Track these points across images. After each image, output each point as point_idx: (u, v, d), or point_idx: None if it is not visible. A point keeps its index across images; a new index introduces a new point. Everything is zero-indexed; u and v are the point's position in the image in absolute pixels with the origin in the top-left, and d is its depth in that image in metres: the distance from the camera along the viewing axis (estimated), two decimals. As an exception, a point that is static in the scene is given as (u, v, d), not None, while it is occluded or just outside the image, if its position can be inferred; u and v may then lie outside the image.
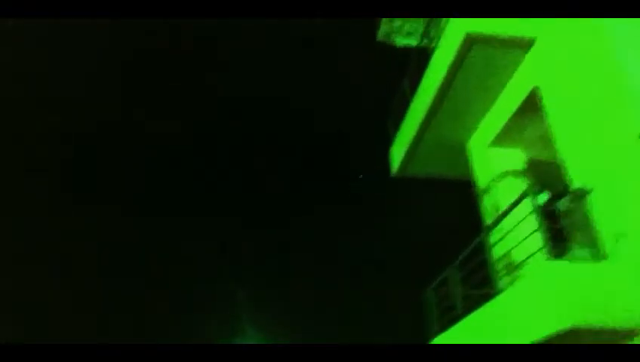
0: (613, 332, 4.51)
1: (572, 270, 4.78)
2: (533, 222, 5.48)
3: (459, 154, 8.60)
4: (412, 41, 10.72)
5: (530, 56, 6.76)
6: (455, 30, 7.00)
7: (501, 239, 6.45)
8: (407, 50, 11.80)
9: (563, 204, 5.97)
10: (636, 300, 4.52)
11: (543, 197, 6.20)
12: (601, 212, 5.17)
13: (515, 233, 6.24)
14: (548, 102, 6.34)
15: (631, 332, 4.49)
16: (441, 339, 7.08)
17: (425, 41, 9.35)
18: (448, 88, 7.43)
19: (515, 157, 7.85)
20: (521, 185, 7.62)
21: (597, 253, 4.97)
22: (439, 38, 7.98)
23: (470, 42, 6.67)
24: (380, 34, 11.70)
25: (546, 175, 7.64)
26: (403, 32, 10.95)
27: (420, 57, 9.14)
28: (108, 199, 32.28)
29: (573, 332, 4.42)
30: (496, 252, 6.39)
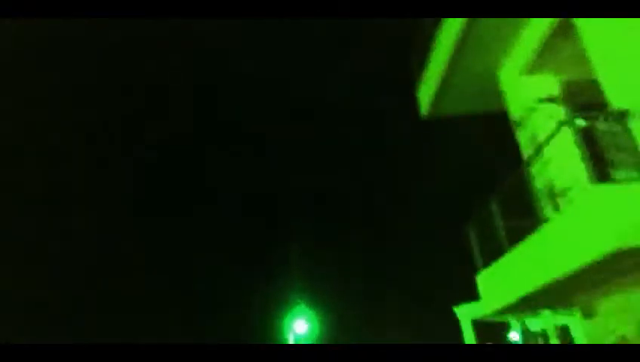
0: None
1: (618, 192, 4.75)
2: (573, 148, 5.44)
3: (491, 86, 8.40)
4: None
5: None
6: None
7: (542, 169, 6.43)
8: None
9: (602, 126, 5.84)
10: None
11: (581, 122, 6.06)
12: (645, 131, 5.05)
13: (556, 161, 6.21)
14: (582, 22, 6.06)
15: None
16: (487, 273, 7.23)
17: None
18: (475, 19, 7.17)
19: (549, 83, 7.62)
20: (557, 110, 7.46)
21: (643, 174, 4.89)
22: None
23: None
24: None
25: (582, 97, 7.44)
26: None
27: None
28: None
29: (622, 252, 4.47)
30: (538, 182, 6.37)
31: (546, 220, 5.91)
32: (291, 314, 26.63)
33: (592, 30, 5.95)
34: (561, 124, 5.53)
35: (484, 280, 7.33)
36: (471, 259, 7.71)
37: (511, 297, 6.54)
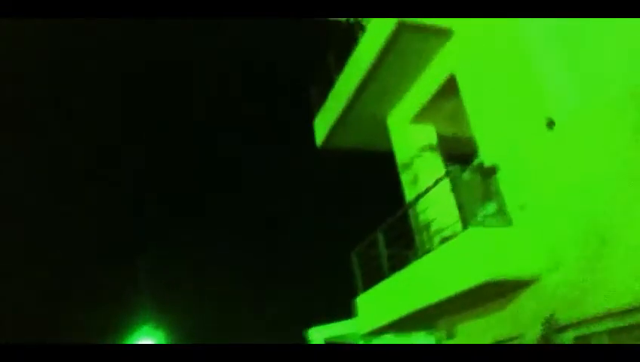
0: (518, 282, 5.62)
1: (485, 234, 5.80)
2: (448, 194, 6.47)
3: (381, 128, 9.37)
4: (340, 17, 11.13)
5: (449, 45, 7.59)
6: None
7: (422, 208, 7.41)
8: (325, 22, 12.23)
9: (472, 177, 6.97)
10: (533, 257, 5.64)
11: (457, 173, 7.14)
12: (508, 185, 6.23)
13: (434, 203, 7.22)
14: (464, 87, 7.24)
15: (529, 282, 5.62)
16: (366, 296, 7.96)
17: (351, 18, 9.81)
18: (378, 68, 8.04)
19: (430, 134, 8.82)
20: (435, 158, 8.66)
21: (505, 220, 6.02)
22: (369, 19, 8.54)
23: (401, 28, 7.29)
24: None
25: (454, 149, 8.76)
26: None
27: (345, 32, 9.65)
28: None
29: (489, 284, 5.44)
30: (419, 220, 7.33)
31: (423, 253, 6.84)
32: (135, 336, 25.01)
33: (471, 91, 7.14)
34: (441, 177, 6.54)
35: (363, 302, 8.04)
36: (353, 283, 8.40)
37: (387, 318, 7.32)
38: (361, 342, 22.48)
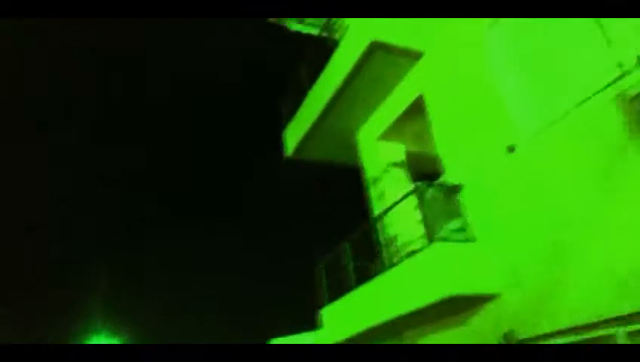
0: (480, 297, 5.85)
1: (448, 250, 6.02)
2: (413, 210, 6.70)
3: (350, 143, 9.57)
4: (312, 30, 11.31)
5: (419, 66, 7.88)
6: (360, 34, 7.81)
7: (388, 223, 7.60)
8: (298, 35, 12.39)
9: (437, 194, 7.21)
10: (495, 273, 5.90)
11: (425, 189, 7.38)
12: (471, 204, 6.49)
13: (399, 218, 7.43)
14: (431, 108, 7.52)
15: (490, 297, 5.87)
16: (332, 308, 8.06)
17: (324, 33, 10.00)
18: (349, 84, 8.26)
19: (398, 151, 9.07)
20: (402, 174, 8.90)
21: (468, 237, 6.27)
22: (341, 34, 8.75)
23: (374, 48, 7.53)
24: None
25: (424, 167, 9.02)
26: (302, 20, 11.44)
27: (317, 46, 9.84)
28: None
29: (450, 299, 5.65)
30: (386, 233, 7.51)
31: (389, 266, 7.00)
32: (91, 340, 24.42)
33: (437, 111, 7.41)
34: (408, 193, 6.76)
35: (328, 313, 8.13)
36: (317, 295, 8.49)
37: (351, 330, 7.43)
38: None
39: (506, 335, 5.51)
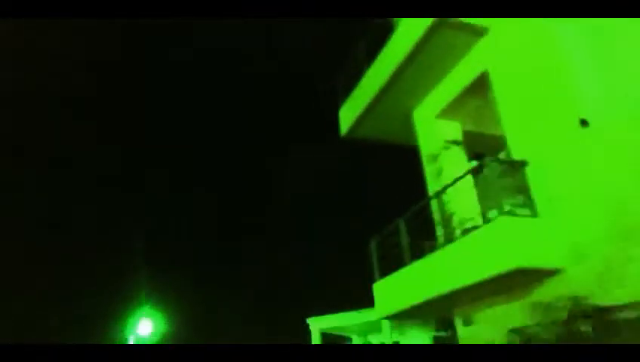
0: (544, 271, 5.85)
1: (516, 224, 6.02)
2: (471, 188, 6.72)
3: (406, 122, 9.59)
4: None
5: (483, 42, 7.80)
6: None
7: (445, 201, 7.63)
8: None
9: (502, 169, 7.14)
10: (559, 248, 5.87)
11: (489, 165, 7.33)
12: (536, 179, 6.45)
13: (456, 196, 7.44)
14: (497, 84, 7.43)
15: (554, 272, 5.85)
16: (384, 282, 8.19)
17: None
18: (410, 63, 8.26)
19: (456, 129, 9.03)
20: (459, 153, 8.88)
21: (532, 212, 6.25)
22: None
23: (437, 24, 7.51)
24: None
25: (479, 146, 8.96)
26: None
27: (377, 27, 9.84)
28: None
29: (516, 271, 5.68)
30: (445, 210, 7.55)
31: (447, 241, 7.06)
32: (135, 315, 25.26)
33: (503, 87, 7.31)
34: (473, 168, 6.77)
35: (380, 288, 8.27)
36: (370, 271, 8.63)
37: (406, 303, 7.55)
38: (356, 336, 23.03)
39: (569, 309, 5.49)
